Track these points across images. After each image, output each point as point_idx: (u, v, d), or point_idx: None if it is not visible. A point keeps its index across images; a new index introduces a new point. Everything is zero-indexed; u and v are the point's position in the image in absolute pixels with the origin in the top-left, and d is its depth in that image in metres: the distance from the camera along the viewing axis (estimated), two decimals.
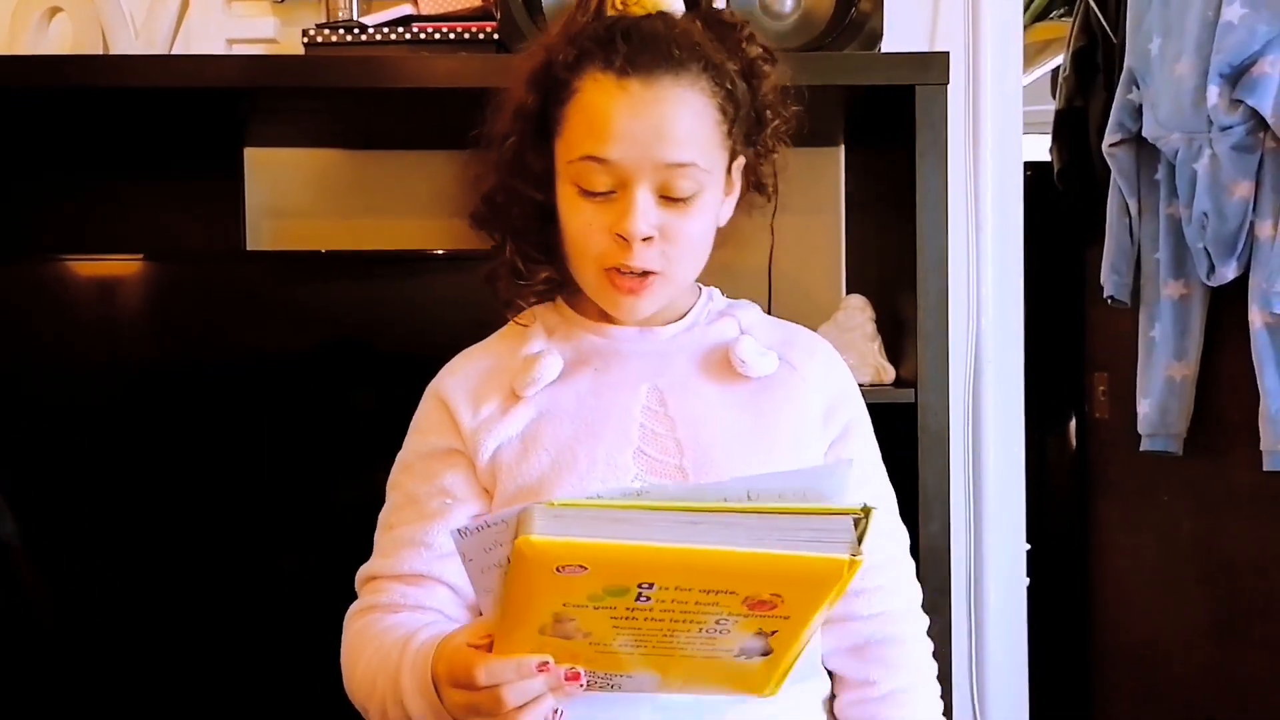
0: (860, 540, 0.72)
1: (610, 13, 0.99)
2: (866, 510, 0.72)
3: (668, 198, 0.95)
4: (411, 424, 1.07)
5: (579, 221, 0.97)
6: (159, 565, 1.54)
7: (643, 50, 0.94)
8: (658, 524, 0.71)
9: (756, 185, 1.07)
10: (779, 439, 1.01)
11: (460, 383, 1.04)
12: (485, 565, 0.77)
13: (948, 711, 1.45)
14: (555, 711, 0.82)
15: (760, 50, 1.03)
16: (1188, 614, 2.10)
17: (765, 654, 0.78)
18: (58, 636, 1.54)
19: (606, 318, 1.04)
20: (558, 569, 0.71)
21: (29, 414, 1.55)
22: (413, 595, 0.99)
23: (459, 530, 0.76)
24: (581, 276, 1.01)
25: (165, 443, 1.55)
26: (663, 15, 0.99)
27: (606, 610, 0.74)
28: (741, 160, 1.04)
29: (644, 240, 0.95)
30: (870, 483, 1.07)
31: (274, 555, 1.56)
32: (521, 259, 1.05)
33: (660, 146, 0.94)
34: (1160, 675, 2.20)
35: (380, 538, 1.05)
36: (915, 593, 1.10)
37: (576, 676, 0.79)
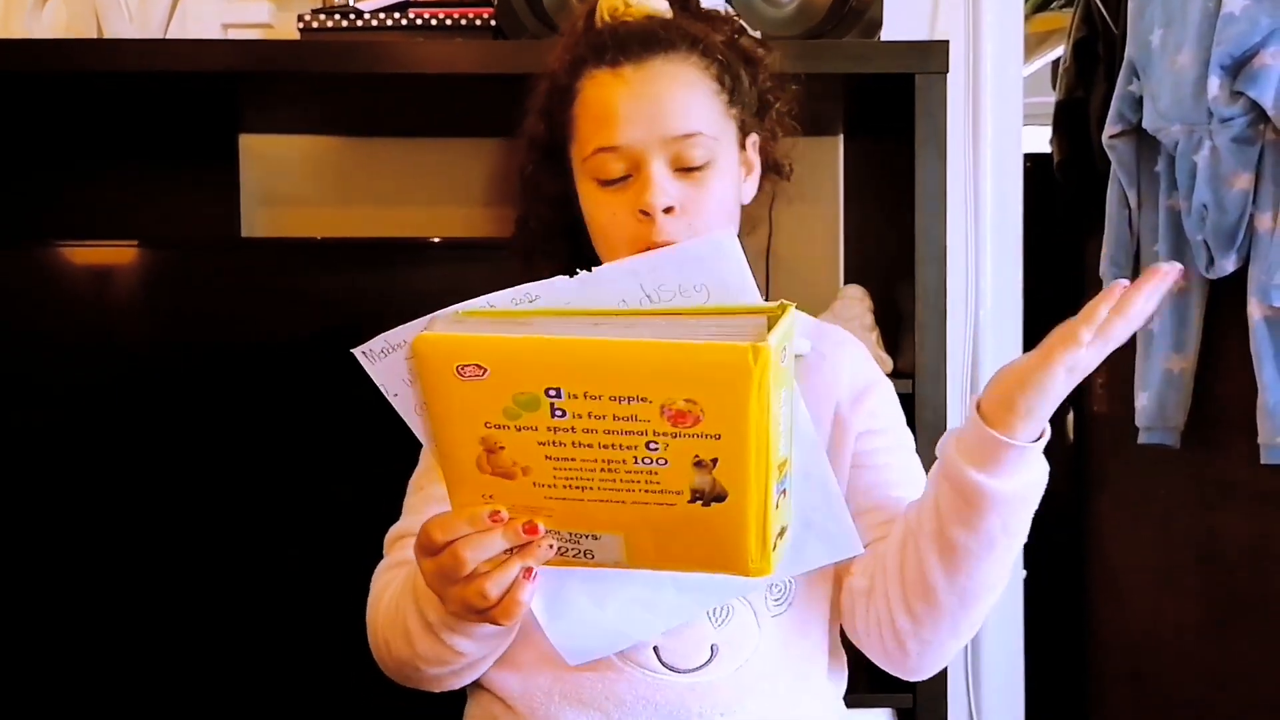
0: (770, 332, 0.68)
1: (598, 25, 1.04)
2: (783, 306, 0.71)
3: (682, 169, 0.98)
4: None
5: (604, 212, 1.00)
6: (153, 553, 1.54)
7: (630, 41, 0.99)
8: (558, 326, 0.70)
9: (774, 167, 1.11)
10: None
11: None
12: (414, 405, 0.76)
13: (943, 704, 1.46)
14: (528, 572, 0.78)
15: (751, 40, 1.07)
16: (1184, 607, 2.09)
17: (720, 498, 0.73)
18: (48, 625, 1.54)
19: None
20: (458, 370, 0.70)
21: (23, 400, 1.54)
22: None
23: (363, 351, 0.75)
24: None
25: (160, 430, 1.54)
26: (649, 17, 1.03)
27: (529, 433, 0.72)
28: (755, 138, 1.07)
29: (666, 212, 0.97)
30: (902, 451, 1.09)
31: (270, 542, 1.55)
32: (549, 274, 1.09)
33: (664, 121, 0.97)
34: (1156, 667, 2.20)
35: (410, 499, 1.06)
36: None
37: (534, 529, 0.77)
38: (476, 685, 1.05)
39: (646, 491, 0.74)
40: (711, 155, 0.99)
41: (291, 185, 1.79)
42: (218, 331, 1.56)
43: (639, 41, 0.99)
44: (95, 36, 1.54)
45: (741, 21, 1.07)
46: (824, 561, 0.87)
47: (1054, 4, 2.49)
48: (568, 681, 0.99)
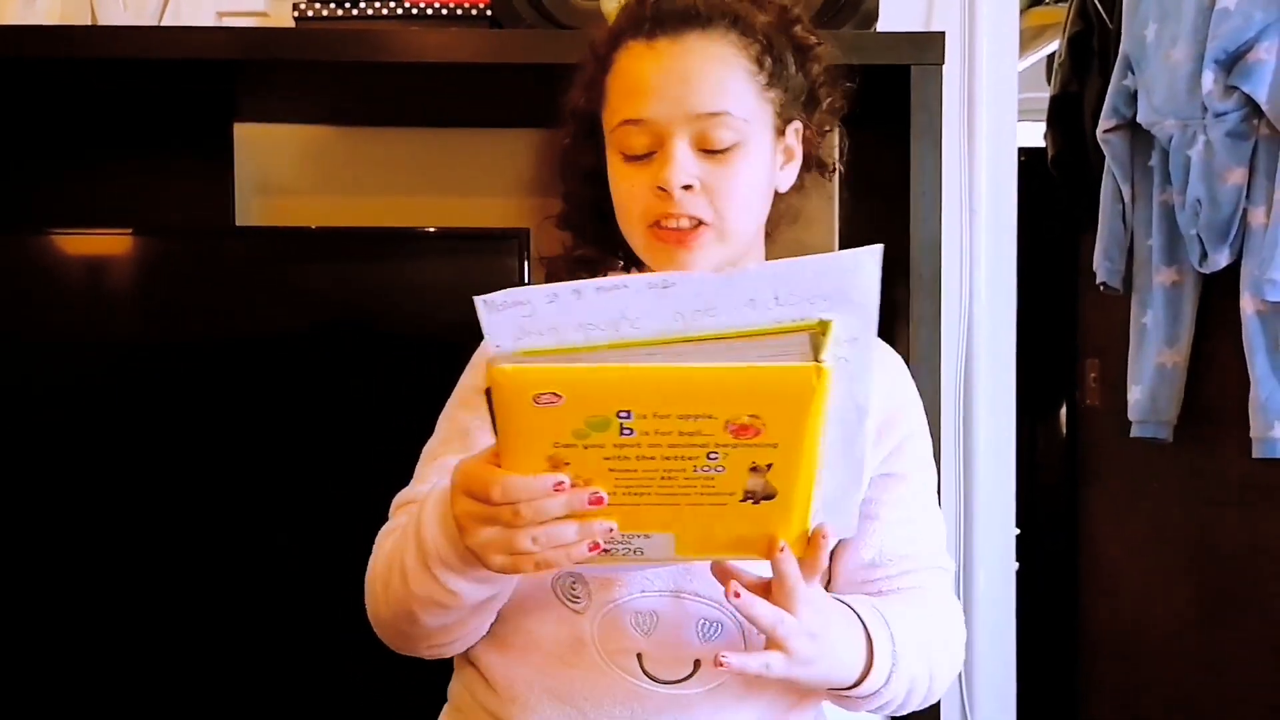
0: (818, 352, 0.73)
1: None
2: (824, 324, 0.74)
3: (707, 150, 0.96)
4: (469, 363, 1.09)
5: (625, 185, 0.99)
6: (145, 545, 1.54)
7: (669, 15, 0.97)
8: (617, 356, 0.74)
9: (816, 163, 1.09)
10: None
11: None
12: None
13: (936, 702, 1.46)
14: (594, 545, 0.80)
15: (805, 29, 1.05)
16: (1175, 600, 2.10)
17: (770, 497, 0.79)
18: (43, 616, 1.54)
19: None
20: (535, 399, 0.74)
21: (16, 389, 1.54)
22: None
23: (485, 300, 0.75)
24: (632, 239, 1.02)
25: (154, 418, 1.54)
26: None
27: (596, 450, 0.76)
28: (798, 125, 1.04)
29: (685, 189, 0.96)
30: (918, 499, 1.05)
31: (263, 532, 1.55)
32: (568, 249, 1.10)
33: (690, 97, 0.95)
34: (1147, 661, 2.20)
35: (422, 466, 1.05)
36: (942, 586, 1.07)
37: (599, 500, 0.78)
38: (464, 659, 1.04)
39: (702, 494, 0.79)
40: (740, 138, 0.96)
41: (286, 174, 1.78)
42: (211, 320, 1.56)
43: (677, 16, 0.97)
44: (89, 24, 1.54)
45: (795, 14, 1.04)
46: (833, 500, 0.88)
47: None
48: (551, 675, 0.98)
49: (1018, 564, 1.90)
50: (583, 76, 1.05)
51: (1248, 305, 1.74)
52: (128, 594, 1.54)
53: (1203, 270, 1.84)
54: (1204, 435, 1.96)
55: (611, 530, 0.80)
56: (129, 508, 1.53)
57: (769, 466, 0.77)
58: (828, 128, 1.08)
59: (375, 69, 1.42)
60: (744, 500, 0.79)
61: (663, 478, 0.77)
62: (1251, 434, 1.75)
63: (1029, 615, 1.96)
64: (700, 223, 0.97)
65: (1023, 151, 1.90)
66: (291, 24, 1.50)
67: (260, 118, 1.76)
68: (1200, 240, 1.81)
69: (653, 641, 0.97)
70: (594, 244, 1.09)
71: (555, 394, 0.73)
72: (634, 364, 0.73)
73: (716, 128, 0.95)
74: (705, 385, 0.73)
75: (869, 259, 0.74)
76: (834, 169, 1.11)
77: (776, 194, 1.05)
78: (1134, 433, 2.02)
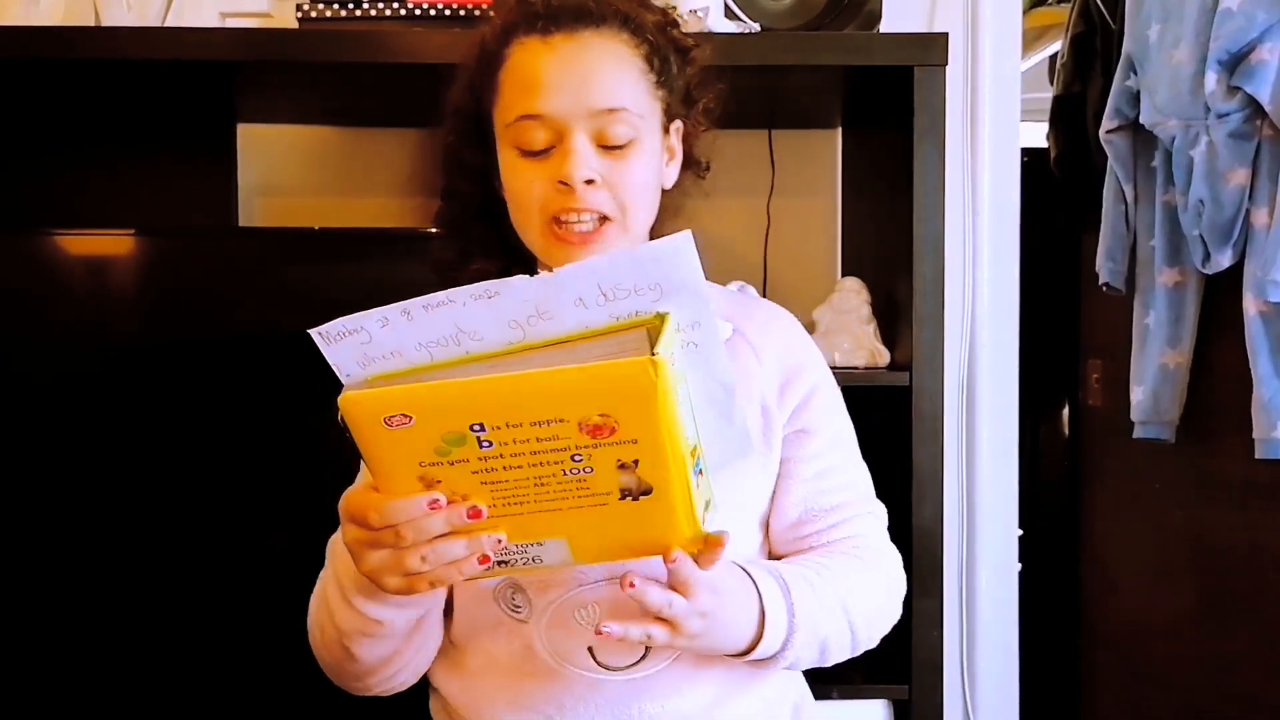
0: (654, 345, 0.74)
1: None
2: (661, 317, 0.75)
3: (606, 146, 0.98)
4: None
5: (522, 181, 1.00)
6: (146, 545, 1.53)
7: (564, 11, 0.99)
8: (460, 372, 0.76)
9: (693, 161, 1.10)
10: None
11: None
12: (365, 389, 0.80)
13: (939, 695, 1.46)
14: (484, 558, 0.81)
15: (682, 31, 1.07)
16: (1177, 601, 2.10)
17: (647, 492, 0.79)
18: (41, 616, 1.54)
19: None
20: (386, 421, 0.75)
21: (18, 389, 1.54)
22: None
23: (320, 332, 0.76)
24: (529, 236, 1.02)
25: (155, 420, 1.54)
26: None
27: (462, 465, 0.77)
28: (679, 125, 1.06)
29: (587, 183, 0.97)
30: (835, 450, 1.07)
31: (264, 533, 1.55)
32: (459, 253, 1.10)
33: (590, 93, 0.97)
34: (1149, 661, 2.20)
35: None
36: (875, 529, 1.10)
37: (478, 513, 0.79)
38: (433, 685, 1.07)
39: (579, 497, 0.79)
40: (635, 134, 0.98)
41: (288, 175, 1.79)
42: (214, 321, 1.56)
43: (572, 13, 0.98)
44: (93, 24, 1.54)
45: (675, 15, 1.07)
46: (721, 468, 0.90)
47: None
48: (511, 688, 1.00)
49: (1020, 564, 1.90)
50: (467, 73, 1.06)
51: (1250, 306, 1.74)
52: (129, 594, 1.54)
53: (1205, 271, 1.84)
54: (1206, 436, 1.96)
55: (500, 541, 0.81)
56: (130, 508, 1.53)
57: (635, 463, 0.77)
58: (703, 128, 1.10)
59: (378, 70, 1.42)
60: (623, 498, 0.79)
61: (536, 485, 0.78)
62: (1254, 435, 1.75)
63: (1031, 615, 1.96)
64: (604, 219, 0.98)
65: (1025, 152, 1.90)
66: (295, 25, 1.50)
67: (263, 118, 1.76)
68: (1203, 241, 1.81)
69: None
70: (479, 245, 1.09)
71: (405, 415, 0.75)
72: (475, 377, 0.74)
73: (614, 123, 0.97)
74: (547, 390, 0.74)
75: (684, 243, 0.76)
76: (707, 168, 1.12)
77: (663, 192, 1.06)
78: (1136, 433, 2.02)
